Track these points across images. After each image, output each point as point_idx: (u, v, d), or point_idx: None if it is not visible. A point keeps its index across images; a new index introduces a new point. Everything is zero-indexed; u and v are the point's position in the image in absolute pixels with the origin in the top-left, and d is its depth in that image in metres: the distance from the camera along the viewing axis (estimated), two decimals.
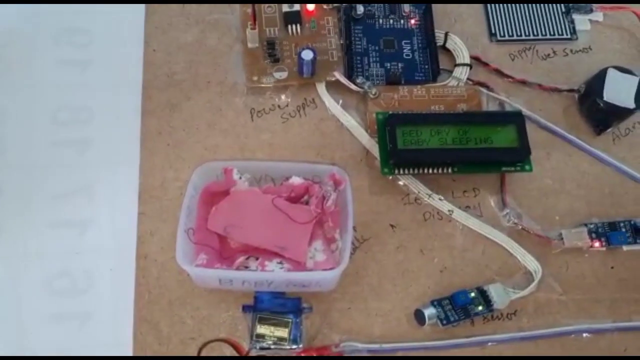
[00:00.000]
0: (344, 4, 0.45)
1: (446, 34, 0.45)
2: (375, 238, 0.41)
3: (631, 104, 0.43)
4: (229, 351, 0.36)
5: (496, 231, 0.41)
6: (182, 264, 0.33)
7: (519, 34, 0.47)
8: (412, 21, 0.46)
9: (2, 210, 0.40)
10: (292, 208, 0.36)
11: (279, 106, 0.44)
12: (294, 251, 0.35)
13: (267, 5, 0.45)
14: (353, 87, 0.43)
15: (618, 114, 0.43)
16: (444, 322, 0.38)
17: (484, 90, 0.44)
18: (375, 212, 0.41)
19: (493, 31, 0.47)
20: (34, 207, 0.41)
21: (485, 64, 0.45)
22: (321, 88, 0.44)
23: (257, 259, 0.35)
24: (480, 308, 0.38)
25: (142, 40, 0.45)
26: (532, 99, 0.45)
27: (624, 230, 0.41)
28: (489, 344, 0.39)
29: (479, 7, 0.48)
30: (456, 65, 0.45)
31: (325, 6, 0.45)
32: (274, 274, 0.34)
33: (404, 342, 0.38)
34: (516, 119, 0.41)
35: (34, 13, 0.45)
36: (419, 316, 0.38)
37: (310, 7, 0.45)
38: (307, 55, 0.42)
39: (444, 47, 0.45)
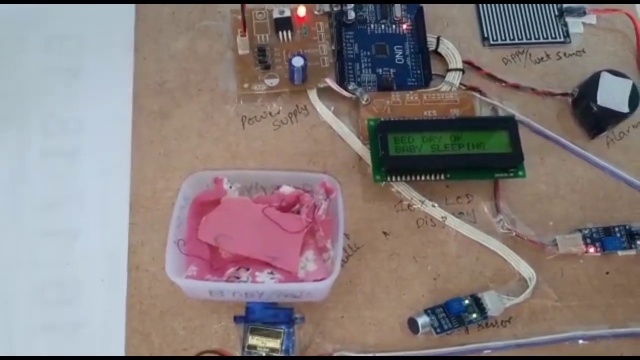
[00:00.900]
0: (334, 10, 0.45)
1: (438, 39, 0.45)
2: (369, 246, 0.40)
3: (625, 108, 0.42)
4: None
5: (490, 237, 0.41)
6: (172, 277, 0.33)
7: (511, 37, 0.46)
8: (404, 26, 0.45)
9: None
10: (283, 217, 0.36)
11: (270, 113, 0.44)
12: (285, 261, 0.35)
13: (258, 11, 0.45)
14: (345, 93, 0.43)
15: (612, 118, 0.43)
16: (438, 330, 0.38)
17: (476, 95, 0.44)
18: (368, 219, 0.41)
19: (486, 35, 0.46)
20: (24, 216, 0.40)
21: (478, 69, 0.45)
22: (313, 95, 0.44)
23: (248, 269, 0.35)
24: (474, 316, 0.38)
25: (133, 48, 0.45)
26: (526, 103, 0.45)
27: (618, 235, 0.41)
28: (484, 351, 0.38)
29: (471, 11, 0.47)
30: (448, 70, 0.45)
31: (316, 12, 0.45)
32: (264, 286, 0.34)
33: (398, 351, 0.38)
34: (509, 124, 0.41)
35: (23, 19, 0.45)
36: (413, 325, 0.38)
37: (301, 12, 0.45)
38: (298, 62, 0.41)
39: (436, 51, 0.45)
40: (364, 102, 0.43)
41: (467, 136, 0.40)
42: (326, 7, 0.45)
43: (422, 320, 0.37)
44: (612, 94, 0.43)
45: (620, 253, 0.41)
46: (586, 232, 0.41)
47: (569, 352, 0.39)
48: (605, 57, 0.47)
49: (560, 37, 0.47)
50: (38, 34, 0.45)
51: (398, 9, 0.46)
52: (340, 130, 0.43)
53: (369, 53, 0.45)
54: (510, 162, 0.40)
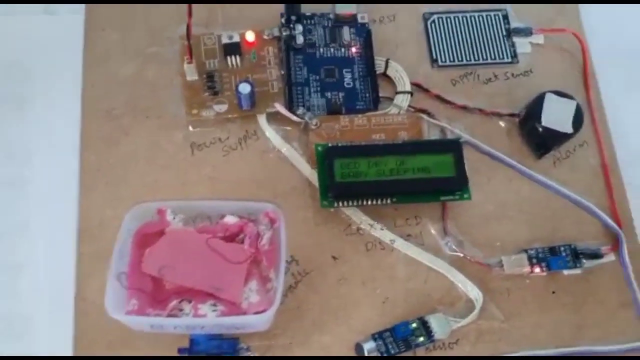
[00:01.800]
0: (284, 34, 0.45)
1: (387, 61, 0.45)
2: (318, 271, 0.41)
3: (569, 129, 0.43)
4: None
5: (438, 259, 0.41)
6: (111, 313, 0.33)
7: (460, 59, 0.47)
8: (353, 49, 0.46)
9: None
10: (227, 248, 0.36)
11: (219, 139, 0.43)
12: (229, 292, 0.35)
13: (207, 36, 0.45)
14: (294, 118, 0.43)
15: (556, 138, 0.43)
16: (385, 354, 0.38)
17: (425, 117, 0.44)
18: (318, 243, 0.41)
19: (434, 57, 0.47)
20: None
21: (427, 91, 0.45)
22: (262, 120, 0.44)
23: (190, 301, 0.35)
24: (421, 339, 0.38)
25: (80, 74, 0.44)
26: (474, 124, 0.45)
27: (564, 254, 0.42)
28: None
29: (420, 33, 0.48)
30: (397, 92, 0.45)
31: (265, 36, 0.45)
32: (204, 320, 0.34)
33: None
34: (453, 147, 0.41)
35: None
36: (359, 350, 0.38)
37: (250, 38, 0.45)
38: (245, 88, 0.41)
39: (385, 74, 0.46)
40: (313, 127, 0.43)
41: (412, 160, 0.40)
42: (275, 32, 0.45)
43: (368, 345, 0.38)
44: (557, 115, 0.43)
45: (565, 272, 0.41)
46: (532, 252, 0.41)
47: None
48: (553, 77, 0.47)
49: (508, 58, 0.47)
50: None
51: (347, 32, 0.46)
52: (290, 155, 0.43)
53: (318, 77, 0.45)
54: (455, 186, 0.41)
